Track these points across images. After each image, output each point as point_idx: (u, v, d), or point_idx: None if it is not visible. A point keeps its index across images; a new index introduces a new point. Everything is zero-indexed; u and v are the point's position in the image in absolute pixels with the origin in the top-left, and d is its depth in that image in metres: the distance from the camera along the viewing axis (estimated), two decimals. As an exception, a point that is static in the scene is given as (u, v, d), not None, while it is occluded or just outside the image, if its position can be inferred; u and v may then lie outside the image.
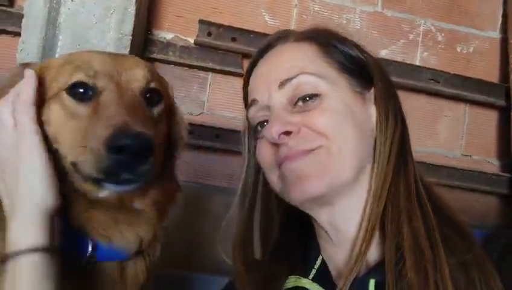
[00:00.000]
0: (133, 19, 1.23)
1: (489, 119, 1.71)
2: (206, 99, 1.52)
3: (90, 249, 0.68)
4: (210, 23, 1.45)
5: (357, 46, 0.75)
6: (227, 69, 1.49)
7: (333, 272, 0.73)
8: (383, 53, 1.65)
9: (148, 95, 0.72)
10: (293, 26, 1.59)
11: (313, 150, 0.66)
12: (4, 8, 1.33)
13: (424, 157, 1.63)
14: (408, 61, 1.65)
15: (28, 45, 1.18)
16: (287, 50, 0.75)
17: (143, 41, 1.40)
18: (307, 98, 0.69)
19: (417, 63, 1.67)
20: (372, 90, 0.72)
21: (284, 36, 0.77)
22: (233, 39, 1.47)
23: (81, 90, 0.67)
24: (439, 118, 1.68)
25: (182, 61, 1.46)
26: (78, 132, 0.65)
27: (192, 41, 1.47)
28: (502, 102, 1.65)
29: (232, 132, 1.45)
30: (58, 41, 1.20)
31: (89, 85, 0.68)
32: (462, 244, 0.61)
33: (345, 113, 0.68)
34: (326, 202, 0.68)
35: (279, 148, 0.68)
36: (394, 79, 1.56)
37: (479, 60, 1.73)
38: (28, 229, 0.59)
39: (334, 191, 0.66)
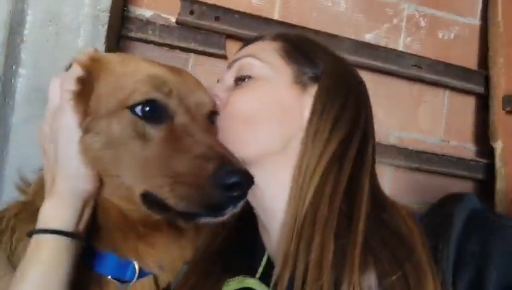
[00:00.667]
0: (111, -6, 1.13)
1: (467, 106, 1.74)
2: (188, 81, 1.45)
3: (136, 273, 0.67)
4: (192, 1, 1.36)
5: (322, 48, 0.77)
6: (210, 50, 1.42)
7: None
8: (368, 37, 1.62)
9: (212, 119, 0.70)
10: (277, 6, 1.53)
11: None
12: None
13: (405, 142, 1.64)
14: (391, 46, 1.63)
15: (-8, 20, 1.07)
16: (257, 45, 0.78)
17: (120, 19, 1.30)
18: (241, 77, 0.72)
19: (400, 48, 1.66)
20: (315, 87, 0.71)
21: (262, 36, 0.80)
22: (217, 18, 1.40)
23: (150, 110, 0.60)
24: (420, 104, 1.69)
25: (162, 41, 1.37)
26: (150, 161, 0.58)
27: (173, 20, 1.38)
28: (480, 89, 1.67)
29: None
30: (27, 16, 1.09)
31: (162, 105, 0.61)
32: (390, 268, 0.57)
33: (268, 98, 0.69)
34: None
35: None
36: (378, 64, 1.56)
37: (459, 46, 1.74)
38: (59, 211, 0.61)
39: None
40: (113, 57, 0.69)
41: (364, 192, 0.65)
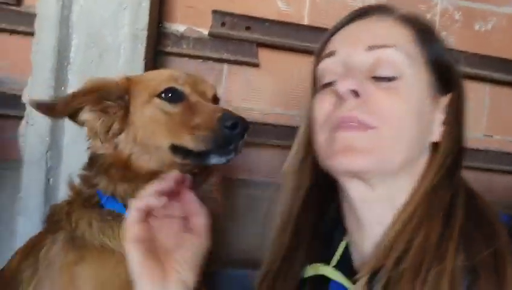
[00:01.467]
0: (148, 13, 1.19)
1: (509, 98, 1.67)
2: (222, 91, 1.48)
3: None
4: (224, 13, 1.41)
5: (449, 51, 0.75)
6: (243, 59, 1.46)
7: (356, 259, 0.72)
8: (400, 35, 1.60)
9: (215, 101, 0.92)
10: (306, 12, 1.54)
11: (369, 127, 0.65)
12: (13, 7, 1.28)
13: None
14: (426, 42, 1.60)
15: (42, 46, 1.15)
16: (385, 23, 0.72)
17: (156, 35, 1.36)
18: (388, 77, 0.67)
19: (435, 43, 1.62)
20: (447, 98, 0.71)
21: (384, 10, 0.74)
22: (248, 28, 1.43)
23: (171, 94, 0.82)
24: (459, 99, 1.65)
25: (196, 53, 1.42)
26: (175, 124, 0.79)
27: (205, 33, 1.43)
28: (523, 79, 1.61)
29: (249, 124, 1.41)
30: (72, 41, 1.17)
31: (178, 90, 0.82)
32: (484, 247, 0.60)
33: (414, 106, 0.67)
34: (364, 180, 0.67)
35: (340, 105, 0.67)
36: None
37: (497, 37, 1.67)
38: None
39: (376, 173, 0.66)
40: (142, 74, 0.93)
41: (460, 186, 0.69)
